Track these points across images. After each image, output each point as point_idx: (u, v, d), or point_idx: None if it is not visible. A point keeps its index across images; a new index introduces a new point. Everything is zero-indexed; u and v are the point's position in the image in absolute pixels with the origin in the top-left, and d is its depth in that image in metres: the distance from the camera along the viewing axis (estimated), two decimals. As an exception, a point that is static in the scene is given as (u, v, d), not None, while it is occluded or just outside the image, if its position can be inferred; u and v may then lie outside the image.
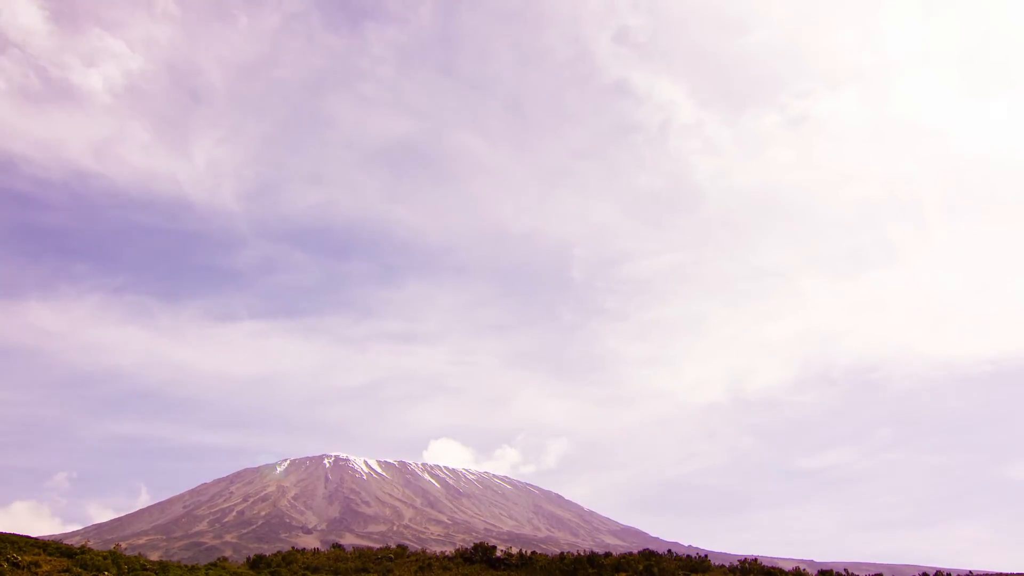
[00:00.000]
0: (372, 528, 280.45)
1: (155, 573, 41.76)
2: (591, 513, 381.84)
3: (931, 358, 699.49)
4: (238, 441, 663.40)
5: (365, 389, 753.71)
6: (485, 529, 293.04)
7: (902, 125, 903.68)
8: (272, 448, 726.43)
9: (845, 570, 79.92)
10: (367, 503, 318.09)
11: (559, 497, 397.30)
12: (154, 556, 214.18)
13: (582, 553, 71.47)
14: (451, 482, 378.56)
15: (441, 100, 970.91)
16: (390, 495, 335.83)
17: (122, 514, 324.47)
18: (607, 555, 69.41)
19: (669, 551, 73.03)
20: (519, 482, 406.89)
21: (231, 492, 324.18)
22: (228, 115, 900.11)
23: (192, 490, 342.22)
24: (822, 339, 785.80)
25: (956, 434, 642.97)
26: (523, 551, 70.46)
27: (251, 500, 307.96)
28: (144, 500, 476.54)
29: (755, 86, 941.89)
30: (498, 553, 67.09)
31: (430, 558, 65.50)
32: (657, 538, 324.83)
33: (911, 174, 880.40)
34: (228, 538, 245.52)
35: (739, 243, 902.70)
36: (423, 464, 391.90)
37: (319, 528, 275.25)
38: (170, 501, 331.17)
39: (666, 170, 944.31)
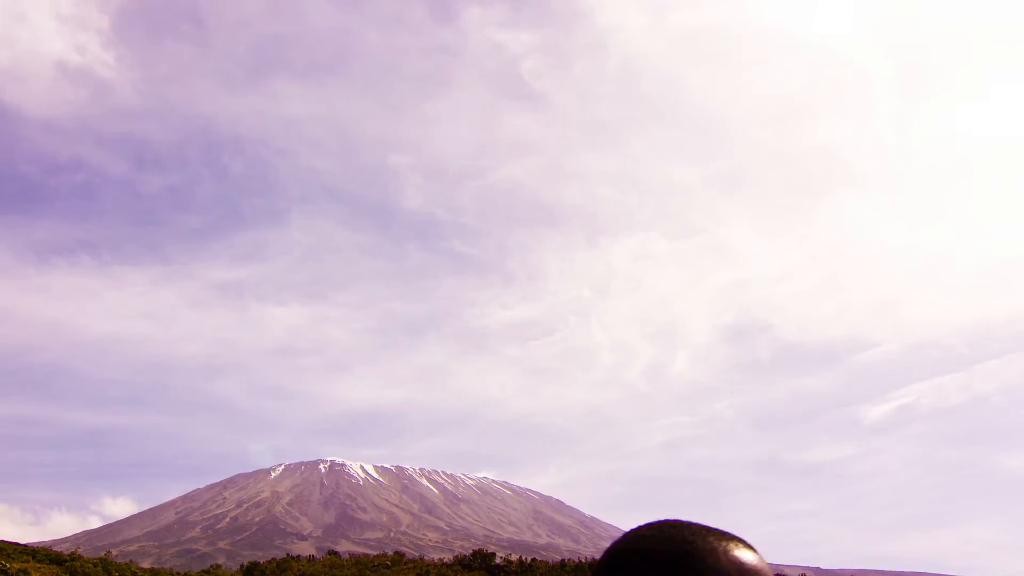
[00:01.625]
0: (369, 535, 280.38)
1: (147, 581, 41.70)
2: (593, 519, 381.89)
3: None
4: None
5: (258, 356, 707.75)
6: (484, 536, 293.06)
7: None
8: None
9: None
10: (363, 509, 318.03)
11: (560, 503, 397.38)
12: (146, 563, 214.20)
13: (584, 560, 71.51)
14: (449, 487, 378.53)
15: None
16: (387, 501, 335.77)
17: (113, 520, 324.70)
18: (609, 562, 69.40)
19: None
20: (519, 487, 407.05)
21: (224, 498, 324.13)
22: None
23: (184, 496, 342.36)
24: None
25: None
26: (523, 558, 70.51)
27: (245, 506, 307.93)
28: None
29: None
30: (497, 560, 67.11)
31: (428, 565, 65.54)
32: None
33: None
34: (221, 545, 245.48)
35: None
36: (420, 469, 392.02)
37: (314, 534, 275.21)
38: (162, 507, 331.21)
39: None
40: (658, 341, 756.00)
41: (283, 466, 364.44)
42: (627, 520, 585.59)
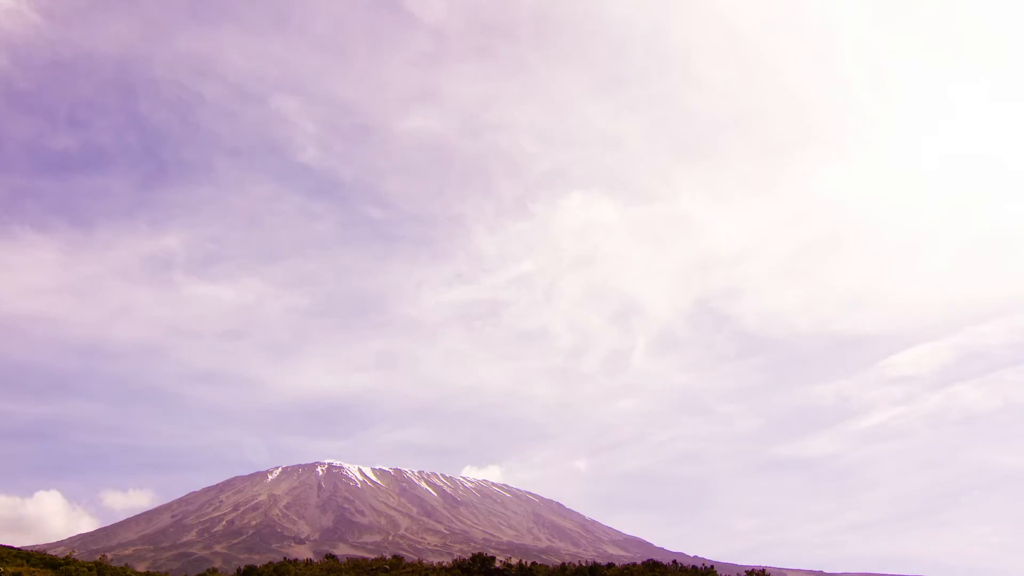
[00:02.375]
0: (367, 538, 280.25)
1: (142, 585, 41.69)
2: (593, 522, 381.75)
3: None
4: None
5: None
6: (484, 539, 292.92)
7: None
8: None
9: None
10: (361, 512, 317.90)
11: (560, 506, 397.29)
12: (141, 567, 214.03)
13: (584, 564, 71.54)
14: (448, 490, 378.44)
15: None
16: (385, 504, 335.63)
17: (108, 523, 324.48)
18: (610, 566, 69.42)
19: (674, 562, 73.07)
20: (518, 490, 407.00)
21: (221, 501, 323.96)
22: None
23: (180, 499, 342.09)
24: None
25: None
26: (523, 562, 70.49)
27: (241, 509, 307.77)
28: None
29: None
30: (497, 564, 67.12)
31: (427, 569, 65.53)
32: (661, 548, 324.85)
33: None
34: (218, 548, 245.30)
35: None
36: (419, 472, 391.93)
37: (312, 538, 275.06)
38: (158, 510, 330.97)
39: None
40: (618, 325, 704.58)
41: (280, 469, 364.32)
42: (627, 522, 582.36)
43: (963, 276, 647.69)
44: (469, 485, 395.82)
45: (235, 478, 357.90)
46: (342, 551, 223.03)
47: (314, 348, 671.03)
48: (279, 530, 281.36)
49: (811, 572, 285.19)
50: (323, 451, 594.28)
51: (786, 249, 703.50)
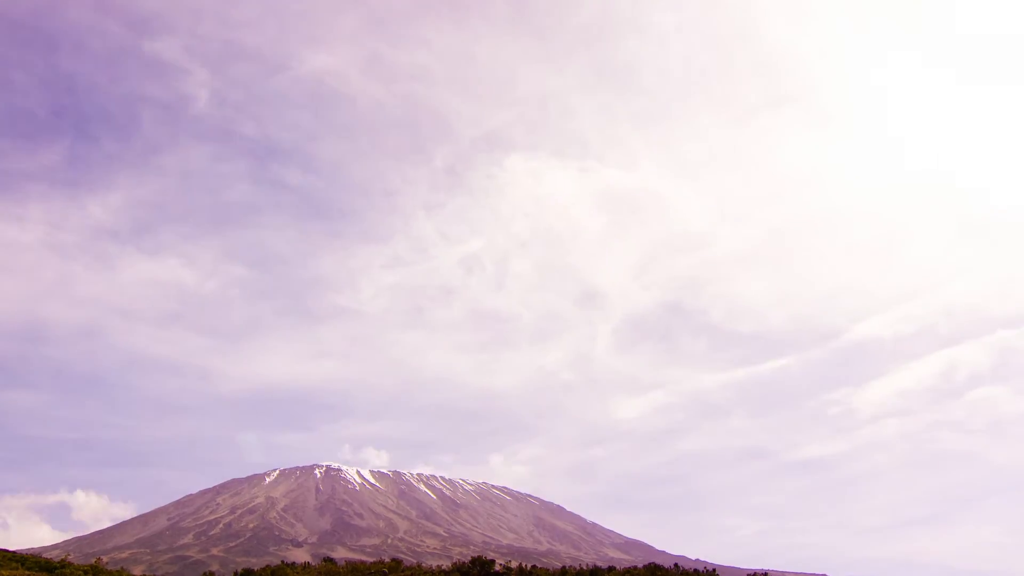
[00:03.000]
0: (365, 541, 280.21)
1: (138, 588, 41.71)
2: (594, 525, 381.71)
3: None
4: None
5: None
6: (483, 542, 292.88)
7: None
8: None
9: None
10: (360, 515, 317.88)
11: (560, 509, 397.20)
12: (137, 571, 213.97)
13: (585, 567, 71.61)
14: (448, 493, 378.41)
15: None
16: (384, 507, 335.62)
17: (104, 526, 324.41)
18: (611, 569, 69.45)
19: (675, 565, 73.10)
20: (519, 493, 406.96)
21: (218, 503, 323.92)
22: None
23: (177, 502, 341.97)
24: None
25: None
26: (523, 565, 70.57)
27: (239, 512, 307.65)
28: None
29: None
30: (497, 567, 67.13)
31: (426, 572, 65.53)
32: (663, 551, 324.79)
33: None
34: (214, 552, 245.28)
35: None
36: (418, 474, 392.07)
37: (310, 541, 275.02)
38: (154, 513, 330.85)
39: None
40: (582, 313, 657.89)
41: (278, 471, 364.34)
42: (627, 525, 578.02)
43: (954, 263, 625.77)
44: (468, 488, 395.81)
45: (232, 480, 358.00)
46: (340, 554, 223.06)
47: (264, 334, 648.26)
48: (277, 533, 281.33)
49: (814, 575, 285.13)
50: (287, 443, 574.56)
51: (760, 230, 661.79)
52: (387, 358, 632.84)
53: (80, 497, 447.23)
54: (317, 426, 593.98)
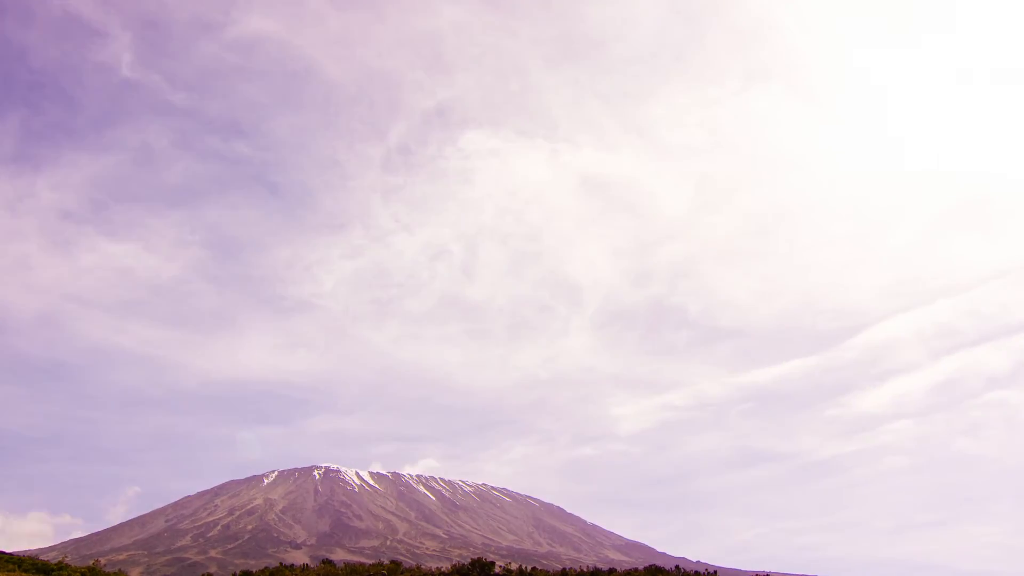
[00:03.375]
0: (364, 543, 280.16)
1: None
2: (594, 527, 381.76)
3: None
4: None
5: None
6: (483, 544, 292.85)
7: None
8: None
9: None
10: (359, 517, 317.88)
11: (561, 510, 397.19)
12: (135, 573, 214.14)
13: (585, 569, 71.66)
14: (447, 494, 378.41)
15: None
16: (383, 508, 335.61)
17: (102, 528, 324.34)
18: (611, 571, 69.48)
19: (677, 567, 73.12)
20: (519, 494, 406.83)
21: (216, 505, 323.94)
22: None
23: (174, 503, 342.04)
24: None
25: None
26: (523, 567, 70.61)
27: (237, 513, 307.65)
28: None
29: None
30: (497, 569, 67.14)
31: (425, 574, 65.53)
32: (664, 553, 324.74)
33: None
34: (213, 554, 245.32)
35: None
36: (418, 476, 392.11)
37: (308, 543, 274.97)
38: (152, 515, 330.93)
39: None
40: (559, 305, 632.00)
41: (276, 472, 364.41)
42: (628, 526, 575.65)
43: (944, 249, 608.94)
44: (468, 489, 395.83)
45: (230, 482, 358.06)
46: (339, 556, 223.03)
47: (230, 325, 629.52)
48: (275, 535, 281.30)
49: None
50: (261, 438, 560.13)
51: (744, 217, 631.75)
52: (356, 351, 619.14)
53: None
54: (293, 420, 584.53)
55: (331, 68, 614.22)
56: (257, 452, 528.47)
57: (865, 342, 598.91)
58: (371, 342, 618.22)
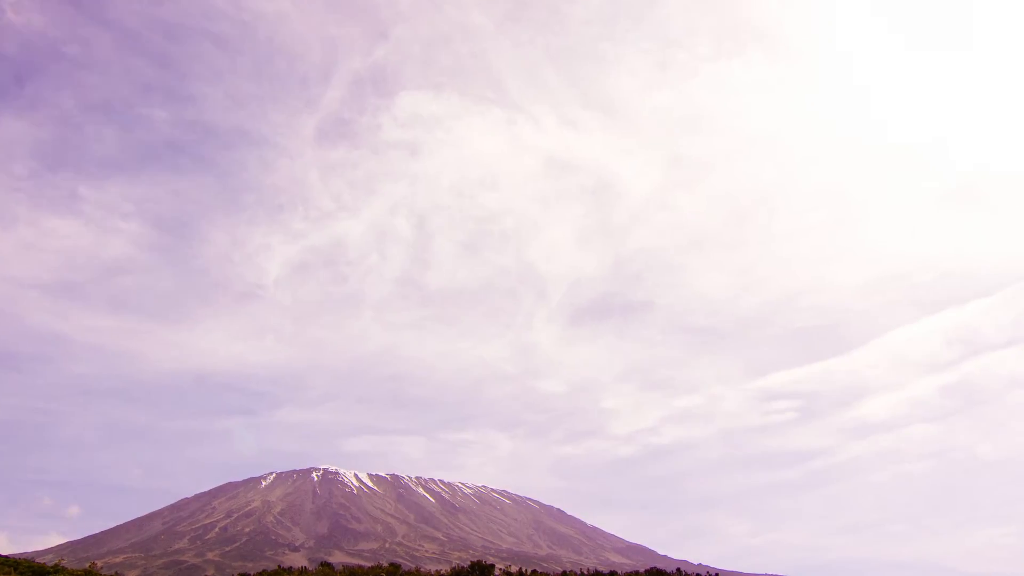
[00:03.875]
0: (363, 545, 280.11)
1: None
2: (595, 529, 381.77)
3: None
4: None
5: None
6: (483, 546, 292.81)
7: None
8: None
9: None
10: (357, 519, 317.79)
11: (561, 512, 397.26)
12: (132, 575, 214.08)
13: (586, 572, 71.64)
14: (447, 497, 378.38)
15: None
16: (382, 510, 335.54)
17: (98, 530, 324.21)
18: (612, 574, 69.48)
19: (678, 570, 73.11)
20: (518, 496, 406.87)
21: (213, 507, 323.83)
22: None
23: (172, 505, 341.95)
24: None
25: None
26: (523, 570, 70.61)
27: (234, 516, 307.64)
28: None
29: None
30: (497, 572, 67.13)
31: (424, 577, 65.49)
32: (665, 556, 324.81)
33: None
34: (210, 556, 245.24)
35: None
36: (417, 478, 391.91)
37: (307, 545, 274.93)
38: (149, 517, 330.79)
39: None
40: (526, 294, 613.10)
41: (274, 475, 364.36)
42: (628, 529, 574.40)
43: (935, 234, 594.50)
44: (468, 491, 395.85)
45: (227, 484, 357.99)
46: (337, 559, 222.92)
47: (180, 311, 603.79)
48: (273, 537, 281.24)
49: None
50: (225, 428, 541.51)
51: (715, 199, 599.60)
52: (311, 341, 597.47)
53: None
54: (259, 412, 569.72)
55: (260, 29, 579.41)
56: (251, 447, 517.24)
57: (859, 340, 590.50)
58: (325, 331, 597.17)
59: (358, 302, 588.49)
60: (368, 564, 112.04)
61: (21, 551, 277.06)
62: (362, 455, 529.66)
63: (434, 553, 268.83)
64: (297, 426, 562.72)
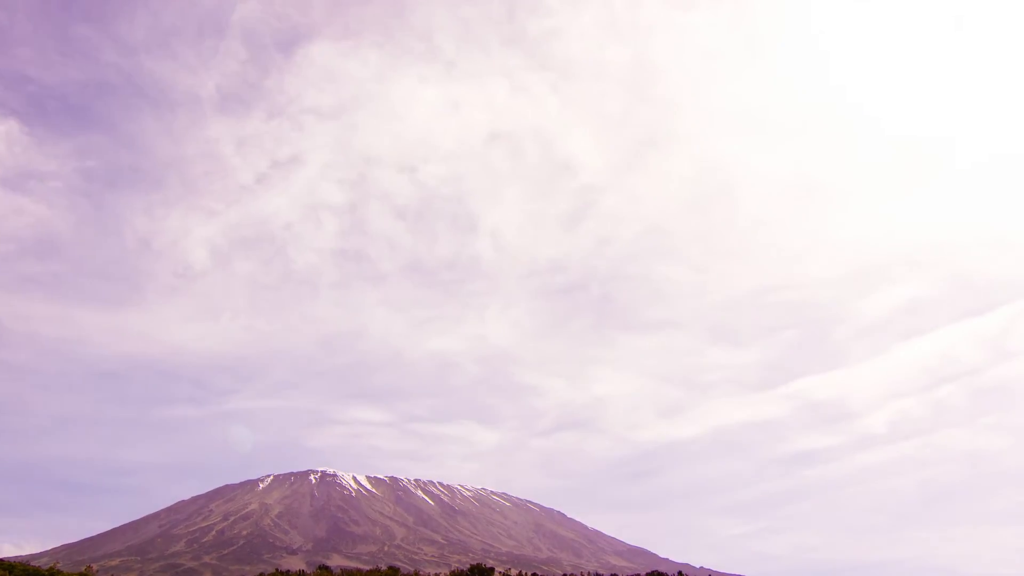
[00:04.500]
0: (361, 548, 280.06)
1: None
2: (595, 532, 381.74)
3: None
4: None
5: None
6: (482, 549, 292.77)
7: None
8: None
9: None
10: (356, 522, 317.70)
11: (561, 515, 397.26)
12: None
13: (587, 575, 71.61)
14: (446, 499, 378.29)
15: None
16: (381, 513, 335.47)
17: (94, 533, 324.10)
18: (613, 577, 69.49)
19: (680, 573, 73.03)
20: (519, 499, 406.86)
21: (210, 510, 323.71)
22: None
23: (168, 508, 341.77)
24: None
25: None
26: (523, 573, 70.52)
27: (232, 519, 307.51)
28: None
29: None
30: (496, 575, 67.03)
31: (423, 581, 65.41)
32: (666, 559, 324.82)
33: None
34: (207, 559, 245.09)
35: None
36: (416, 480, 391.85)
37: (304, 548, 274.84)
38: (145, 520, 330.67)
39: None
40: (475, 278, 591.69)
41: (272, 477, 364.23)
42: (629, 531, 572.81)
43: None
44: (467, 494, 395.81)
45: (225, 486, 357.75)
46: (336, 562, 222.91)
47: (108, 295, 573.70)
48: (271, 540, 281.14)
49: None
50: (183, 417, 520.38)
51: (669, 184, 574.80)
52: (254, 324, 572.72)
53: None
54: (208, 400, 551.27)
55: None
56: (247, 446, 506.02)
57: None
58: (265, 315, 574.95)
59: (298, 282, 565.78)
60: (367, 567, 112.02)
61: (15, 555, 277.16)
62: (333, 449, 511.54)
63: (433, 556, 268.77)
64: (254, 411, 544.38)
